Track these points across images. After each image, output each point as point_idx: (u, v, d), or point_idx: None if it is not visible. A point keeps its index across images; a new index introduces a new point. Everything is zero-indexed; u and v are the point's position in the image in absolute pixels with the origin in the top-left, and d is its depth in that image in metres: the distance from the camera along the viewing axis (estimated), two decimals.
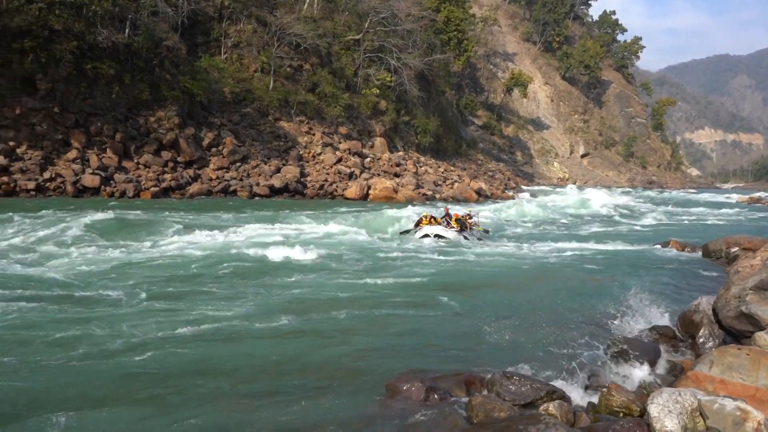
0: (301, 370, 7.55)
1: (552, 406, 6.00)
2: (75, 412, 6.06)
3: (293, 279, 12.71)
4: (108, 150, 30.18)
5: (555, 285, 13.50)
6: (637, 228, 29.49)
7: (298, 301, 10.89)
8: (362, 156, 43.68)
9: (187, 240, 16.85)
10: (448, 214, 21.61)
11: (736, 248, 16.81)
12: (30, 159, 27.14)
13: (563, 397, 6.42)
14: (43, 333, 8.25)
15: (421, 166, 48.79)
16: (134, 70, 32.83)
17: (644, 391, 6.71)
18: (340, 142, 43.40)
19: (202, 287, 11.53)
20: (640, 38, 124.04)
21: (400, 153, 49.44)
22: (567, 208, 37.95)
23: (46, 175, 26.90)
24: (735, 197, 64.99)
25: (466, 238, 20.72)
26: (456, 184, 46.91)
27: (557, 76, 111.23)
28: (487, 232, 22.00)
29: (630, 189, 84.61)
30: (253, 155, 36.92)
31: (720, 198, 65.32)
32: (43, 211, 20.19)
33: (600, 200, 42.23)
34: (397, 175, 43.44)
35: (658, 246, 20.33)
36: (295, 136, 41.26)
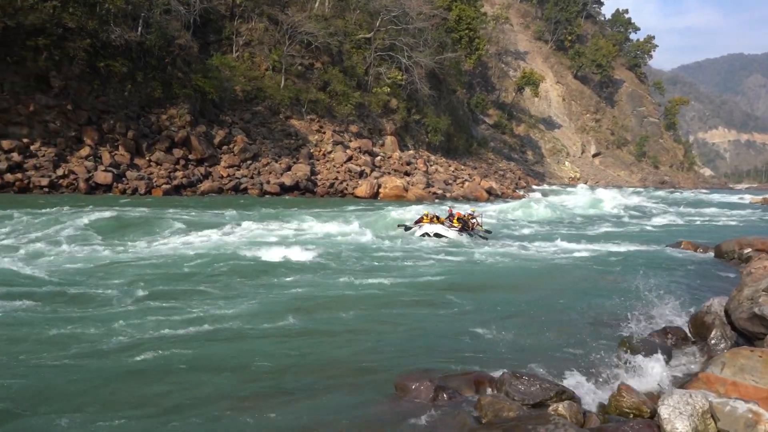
0: (308, 369, 7.52)
1: (561, 407, 5.97)
2: (74, 412, 6.01)
3: (296, 278, 12.59)
4: (120, 147, 30.42)
5: (564, 285, 13.43)
6: (649, 228, 29.28)
7: (301, 300, 10.81)
8: (373, 154, 43.69)
9: (190, 239, 16.76)
10: (451, 214, 21.46)
11: (749, 249, 16.64)
12: (43, 156, 27.40)
13: (573, 398, 6.39)
14: (43, 331, 8.18)
15: (431, 165, 48.74)
16: (146, 68, 33.03)
17: (655, 393, 6.67)
18: (350, 141, 43.44)
19: (204, 286, 11.43)
20: (653, 37, 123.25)
21: (411, 152, 49.40)
22: (577, 208, 37.75)
23: (59, 172, 27.15)
24: (748, 198, 64.33)
25: (470, 235, 20.55)
26: (466, 183, 46.82)
27: (569, 75, 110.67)
28: (489, 232, 21.76)
29: (642, 189, 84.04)
30: (264, 153, 37.04)
31: (733, 198, 64.68)
32: (46, 209, 20.31)
33: (611, 200, 41.94)
34: (407, 173, 43.42)
35: (670, 246, 20.17)
36: (306, 135, 41.34)
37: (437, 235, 20.00)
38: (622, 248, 19.62)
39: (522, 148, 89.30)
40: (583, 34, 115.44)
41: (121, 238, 16.34)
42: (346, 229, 20.00)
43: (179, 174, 31.42)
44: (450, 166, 52.08)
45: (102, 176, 28.05)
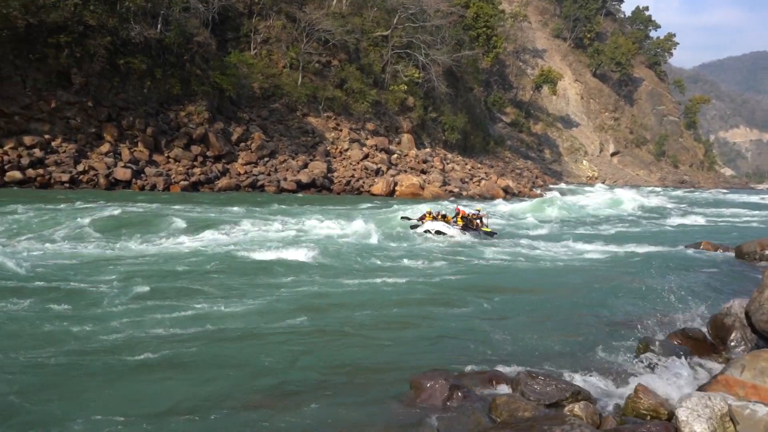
0: (321, 368, 7.51)
1: (577, 407, 5.93)
2: (77, 410, 5.99)
3: (303, 278, 12.39)
4: (139, 144, 30.73)
5: (581, 285, 13.32)
6: (668, 228, 28.96)
7: (310, 299, 10.70)
8: (389, 152, 43.69)
9: (198, 237, 16.69)
10: (457, 213, 21.17)
11: None
12: (64, 152, 27.77)
13: (589, 398, 6.35)
14: (45, 329, 8.16)
15: (448, 163, 48.61)
16: (165, 65, 33.32)
17: (673, 395, 6.60)
18: (367, 138, 43.47)
19: (211, 285, 11.32)
20: (674, 35, 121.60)
21: (427, 150, 49.31)
22: (595, 207, 37.43)
23: (80, 167, 27.50)
24: None
25: (475, 234, 20.23)
26: (483, 182, 46.63)
27: (588, 73, 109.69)
28: (494, 233, 21.26)
29: (661, 188, 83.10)
30: (281, 150, 37.19)
31: (754, 199, 63.69)
32: (61, 205, 20.56)
33: (629, 200, 41.52)
34: (423, 171, 43.35)
35: (690, 247, 19.93)
36: (323, 132, 41.45)
37: (438, 233, 19.75)
38: (640, 249, 19.42)
39: (539, 147, 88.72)
40: (603, 32, 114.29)
41: (126, 235, 16.18)
42: (355, 228, 19.63)
43: (197, 171, 31.67)
44: (466, 164, 51.90)
45: (121, 172, 28.37)
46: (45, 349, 7.51)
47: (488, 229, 21.35)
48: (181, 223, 17.90)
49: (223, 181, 32.21)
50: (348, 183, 37.67)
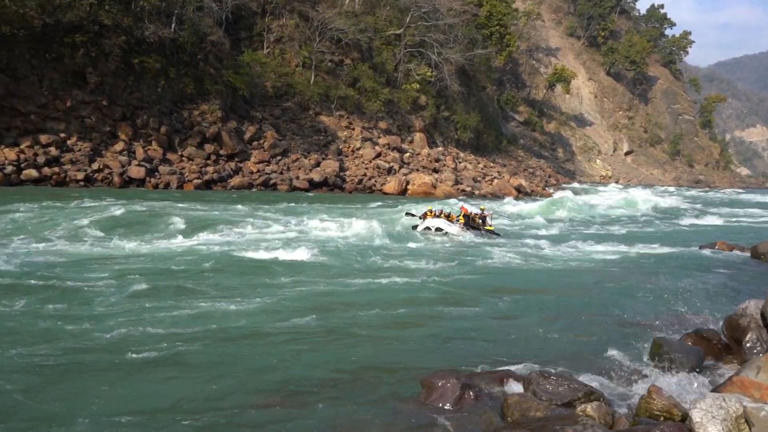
0: (331, 368, 7.48)
1: (590, 407, 5.90)
2: (81, 409, 5.96)
3: (307, 278, 12.22)
4: (153, 142, 30.96)
5: (593, 286, 13.23)
6: (682, 228, 28.71)
7: (317, 299, 10.58)
8: (401, 151, 43.66)
9: (204, 236, 16.57)
10: (460, 213, 20.86)
11: None
12: (79, 150, 28.05)
13: (601, 399, 6.31)
14: (48, 327, 8.15)
15: (460, 162, 48.50)
16: (179, 64, 33.53)
17: (686, 396, 6.54)
18: (379, 137, 43.47)
19: (216, 284, 11.20)
20: (690, 33, 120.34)
21: (440, 148, 49.22)
22: (608, 207, 37.16)
23: (95, 166, 27.77)
24: None
25: (477, 233, 19.91)
26: (495, 181, 46.47)
27: (601, 72, 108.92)
28: (497, 234, 20.83)
29: (675, 188, 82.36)
30: (294, 149, 37.30)
31: None
32: (57, 203, 20.71)
33: (643, 199, 41.18)
34: (436, 170, 43.28)
35: (705, 247, 19.73)
36: (335, 131, 41.51)
37: (438, 230, 19.52)
38: (654, 249, 19.26)
39: (552, 146, 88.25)
40: (617, 30, 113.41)
41: (127, 234, 16.02)
42: (359, 228, 19.18)
43: (210, 169, 31.85)
44: (479, 163, 51.75)
45: (135, 171, 28.61)
46: (46, 347, 7.49)
47: (490, 228, 21.00)
48: (186, 223, 17.79)
49: (235, 180, 32.36)
50: (360, 182, 37.69)
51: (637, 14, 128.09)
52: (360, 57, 46.81)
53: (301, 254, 14.38)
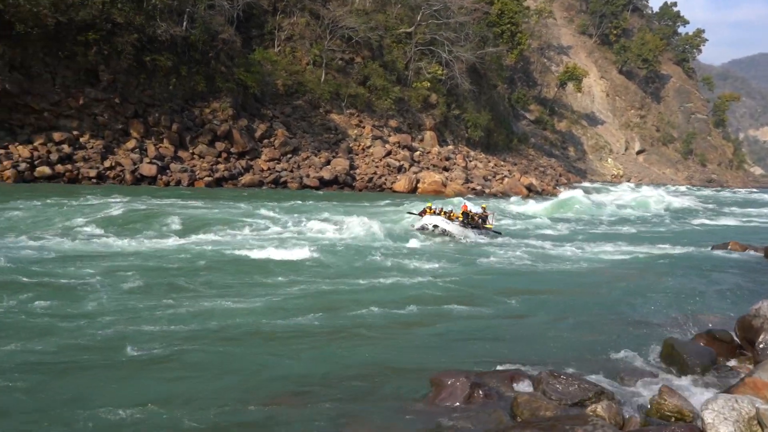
0: (340, 366, 7.47)
1: (600, 407, 5.87)
2: (85, 407, 5.97)
3: (313, 277, 12.14)
4: (165, 140, 31.11)
5: (604, 286, 13.15)
6: (695, 228, 28.49)
7: (322, 298, 10.52)
8: (412, 149, 43.62)
9: (210, 236, 16.46)
10: (462, 212, 20.29)
11: None
12: (92, 148, 28.24)
13: (612, 399, 6.28)
14: (50, 325, 8.15)
15: (470, 161, 48.37)
16: (191, 62, 33.67)
17: (698, 397, 6.49)
18: (389, 136, 43.45)
19: (221, 284, 11.14)
20: (703, 31, 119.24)
21: (450, 147, 49.12)
22: (619, 206, 36.91)
23: (107, 163, 27.96)
24: None
25: (477, 231, 19.47)
26: (506, 179, 46.31)
27: (614, 70, 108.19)
28: (499, 233, 20.52)
29: (687, 187, 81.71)
30: (304, 147, 37.36)
31: None
32: (64, 200, 20.82)
33: (655, 199, 40.88)
34: (446, 169, 43.20)
35: (717, 247, 19.57)
36: (345, 129, 41.53)
37: (435, 227, 19.18)
38: (666, 249, 19.14)
39: (563, 145, 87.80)
40: (629, 28, 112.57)
41: (133, 232, 16.00)
42: (363, 227, 18.85)
43: (221, 167, 31.98)
44: (489, 161, 51.60)
45: (147, 168, 28.78)
46: (45, 343, 7.48)
47: (490, 225, 20.60)
48: (189, 221, 17.68)
49: (246, 178, 32.47)
50: (370, 180, 37.70)
51: (650, 12, 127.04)
52: (371, 55, 46.79)
53: (304, 253, 14.27)
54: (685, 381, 7.03)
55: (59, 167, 26.32)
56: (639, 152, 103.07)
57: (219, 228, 17.33)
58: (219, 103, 34.19)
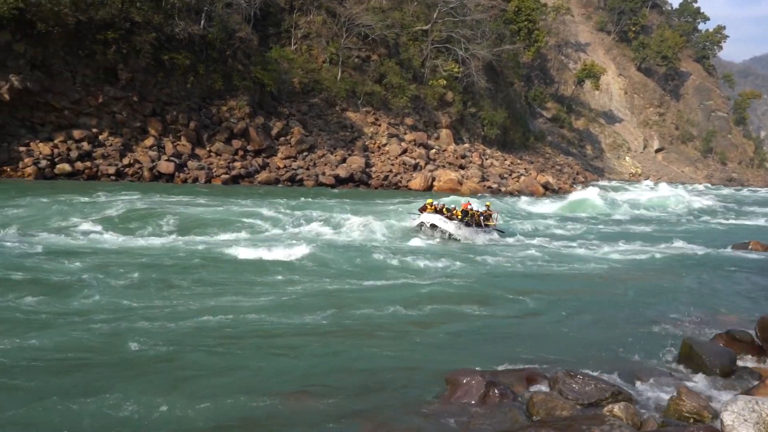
0: (355, 365, 7.46)
1: (617, 408, 5.83)
2: (90, 404, 5.96)
3: (318, 277, 12.00)
4: (182, 138, 31.37)
5: (621, 285, 13.03)
6: (714, 228, 28.13)
7: (332, 297, 10.45)
8: (427, 147, 43.53)
9: (218, 234, 16.33)
10: (466, 210, 19.37)
11: None
12: (111, 145, 28.56)
13: (629, 399, 6.23)
14: (52, 323, 8.13)
15: (486, 159, 48.16)
16: (208, 60, 33.89)
17: (717, 398, 6.42)
18: (405, 133, 43.40)
19: (227, 283, 11.05)
20: (724, 27, 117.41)
21: (466, 145, 48.94)
22: (638, 205, 36.55)
23: (125, 161, 28.26)
24: None
25: (478, 230, 18.66)
26: (522, 178, 46.04)
27: (632, 68, 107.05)
28: (502, 232, 19.85)
29: (707, 186, 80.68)
30: (320, 145, 37.46)
31: None
32: (75, 197, 21.00)
33: (674, 198, 40.42)
34: (462, 167, 43.06)
35: (737, 247, 19.32)
36: (361, 127, 41.56)
37: (433, 227, 17.97)
38: (685, 248, 18.92)
39: (581, 143, 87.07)
40: (648, 25, 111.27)
41: (136, 229, 15.93)
42: (371, 226, 18.55)
43: (238, 164, 32.16)
44: (506, 160, 51.32)
45: (165, 166, 29.04)
46: (46, 343, 7.42)
47: (491, 223, 19.83)
48: (200, 219, 17.55)
49: (262, 175, 32.63)
50: (386, 178, 37.70)
51: (669, 8, 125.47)
52: (387, 53, 46.75)
53: (306, 253, 13.98)
54: (703, 382, 6.95)
55: (79, 164, 26.65)
56: (658, 150, 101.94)
57: (224, 227, 17.12)
58: (236, 101, 34.38)
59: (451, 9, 50.34)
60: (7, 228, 14.60)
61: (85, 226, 15.80)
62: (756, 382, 6.83)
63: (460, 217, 18.71)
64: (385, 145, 41.01)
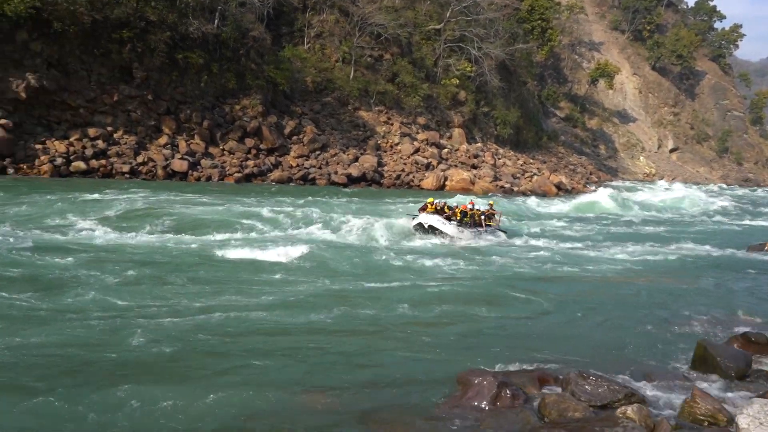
0: (366, 365, 7.44)
1: (630, 410, 5.79)
2: (97, 400, 5.98)
3: (323, 277, 11.85)
4: (196, 136, 31.57)
5: (635, 286, 12.93)
6: (730, 229, 27.84)
7: (340, 297, 10.36)
8: (440, 147, 43.47)
9: (226, 233, 16.08)
10: (467, 211, 18.86)
11: None
12: (125, 144, 28.81)
13: (642, 401, 6.19)
14: (53, 321, 8.08)
15: (499, 158, 47.99)
16: (222, 59, 34.06)
17: (732, 401, 6.36)
18: (418, 133, 43.36)
19: (234, 282, 10.97)
20: (740, 26, 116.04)
21: (479, 144, 48.81)
22: (652, 205, 36.26)
23: (140, 159, 28.49)
24: None
25: (481, 231, 18.18)
26: (535, 178, 45.83)
27: (646, 67, 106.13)
28: (504, 232, 19.41)
29: (721, 186, 79.85)
30: (332, 144, 37.53)
31: None
32: (86, 194, 21.14)
33: (689, 198, 40.05)
34: (474, 166, 42.95)
35: (753, 248, 19.11)
36: (374, 126, 41.58)
37: (431, 228, 17.35)
38: (700, 250, 18.75)
39: (594, 142, 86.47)
40: (663, 24, 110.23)
41: (138, 228, 15.75)
42: (381, 227, 18.10)
43: (250, 163, 32.32)
44: (518, 159, 51.11)
45: (178, 164, 29.24)
46: (43, 342, 7.41)
47: (492, 223, 19.35)
48: (209, 218, 17.40)
49: (275, 174, 32.76)
50: (398, 177, 37.69)
51: (685, 7, 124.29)
52: (399, 52, 46.72)
53: (307, 253, 13.78)
54: (718, 384, 6.89)
55: (94, 162, 26.91)
56: (672, 150, 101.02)
57: (229, 226, 16.96)
58: (249, 100, 34.54)
59: (464, 8, 50.18)
60: (1, 225, 14.41)
61: (82, 223, 15.60)
62: None
63: (459, 218, 18.20)
64: (397, 144, 40.99)
